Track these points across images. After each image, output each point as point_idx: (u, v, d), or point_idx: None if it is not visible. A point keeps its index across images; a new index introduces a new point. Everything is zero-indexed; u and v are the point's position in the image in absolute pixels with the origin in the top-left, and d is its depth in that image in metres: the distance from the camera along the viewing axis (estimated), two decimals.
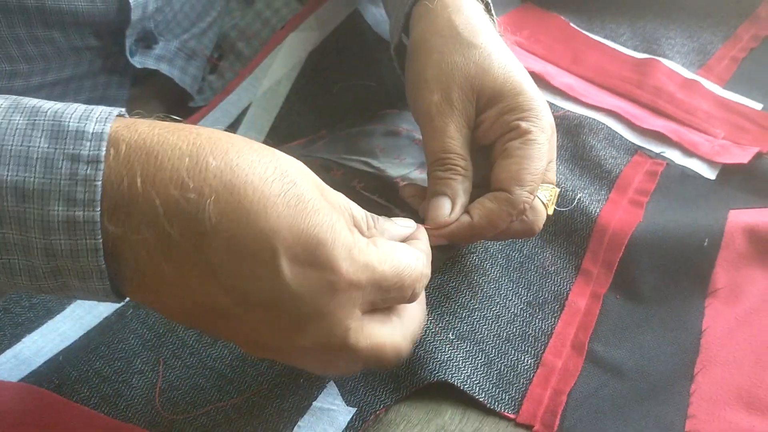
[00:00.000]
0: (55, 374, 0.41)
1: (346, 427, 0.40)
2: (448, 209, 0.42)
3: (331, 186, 0.50)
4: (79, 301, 0.46)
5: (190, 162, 0.29)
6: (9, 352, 0.43)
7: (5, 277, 0.30)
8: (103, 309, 0.46)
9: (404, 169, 0.53)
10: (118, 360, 0.42)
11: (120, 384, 0.41)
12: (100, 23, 0.49)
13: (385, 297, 0.33)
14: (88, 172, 0.28)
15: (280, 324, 0.31)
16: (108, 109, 0.31)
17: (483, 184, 0.43)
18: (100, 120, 0.29)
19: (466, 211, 0.42)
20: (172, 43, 0.57)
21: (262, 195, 0.29)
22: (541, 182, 0.43)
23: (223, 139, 0.31)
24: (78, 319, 0.45)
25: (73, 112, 0.30)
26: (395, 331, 0.35)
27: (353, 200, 0.49)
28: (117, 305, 0.46)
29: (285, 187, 0.30)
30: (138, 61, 0.54)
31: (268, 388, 0.41)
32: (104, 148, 0.29)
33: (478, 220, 0.41)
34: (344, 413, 0.40)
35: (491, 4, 0.49)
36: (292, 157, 0.33)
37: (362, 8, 0.63)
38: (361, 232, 0.34)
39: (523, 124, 0.42)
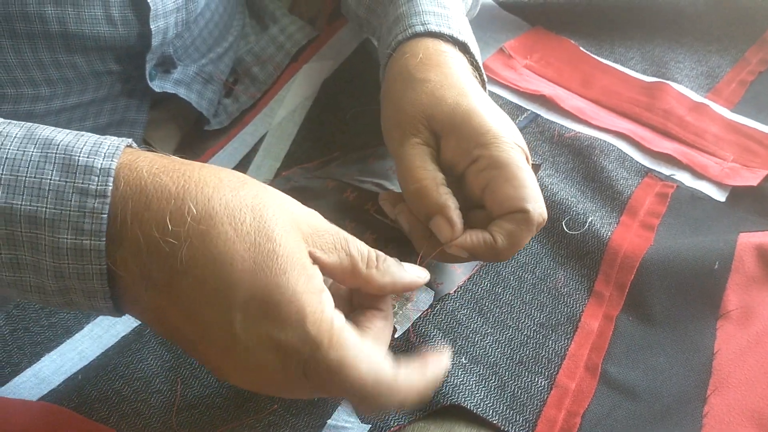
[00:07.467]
0: (74, 393, 0.42)
1: None
2: (449, 229, 0.42)
3: (344, 208, 0.51)
4: (97, 321, 0.46)
5: (174, 205, 0.31)
6: (29, 371, 0.43)
7: (18, 292, 0.33)
8: (121, 328, 0.46)
9: None
10: (137, 380, 0.43)
11: (139, 403, 0.41)
12: (121, 48, 0.50)
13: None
14: (95, 205, 0.31)
15: (236, 365, 0.33)
16: (116, 142, 0.33)
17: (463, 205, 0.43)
18: (108, 155, 0.32)
19: (490, 233, 0.42)
20: (190, 68, 0.58)
21: (232, 246, 0.31)
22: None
23: (210, 183, 0.33)
24: (96, 338, 0.46)
25: (83, 146, 0.32)
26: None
27: (365, 223, 0.50)
28: (134, 324, 0.46)
29: (258, 240, 0.32)
30: (157, 85, 0.55)
31: (284, 407, 0.42)
32: (111, 184, 0.31)
33: (501, 243, 0.41)
34: (358, 430, 0.41)
35: (468, 44, 0.48)
36: (287, 207, 0.34)
37: None
38: (357, 272, 0.35)
39: (486, 152, 0.42)
